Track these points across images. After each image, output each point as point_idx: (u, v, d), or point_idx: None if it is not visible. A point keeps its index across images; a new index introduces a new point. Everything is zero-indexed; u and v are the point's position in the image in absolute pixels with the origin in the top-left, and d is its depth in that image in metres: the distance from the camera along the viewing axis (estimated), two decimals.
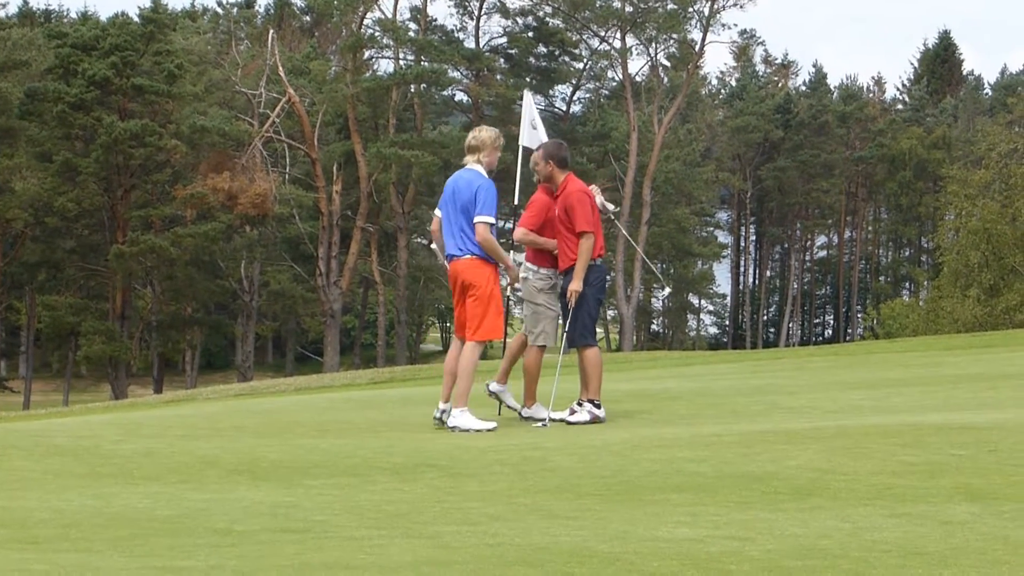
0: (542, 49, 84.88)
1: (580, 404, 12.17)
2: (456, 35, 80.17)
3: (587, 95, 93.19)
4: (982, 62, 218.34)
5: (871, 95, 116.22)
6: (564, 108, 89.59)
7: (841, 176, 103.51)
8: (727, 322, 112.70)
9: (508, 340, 12.84)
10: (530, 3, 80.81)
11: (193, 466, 9.35)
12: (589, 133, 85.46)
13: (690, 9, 74.13)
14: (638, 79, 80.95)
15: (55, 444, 10.84)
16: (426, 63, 72.01)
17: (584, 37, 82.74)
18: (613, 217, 13.13)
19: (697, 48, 76.20)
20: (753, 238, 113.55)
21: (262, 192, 62.65)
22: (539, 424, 11.97)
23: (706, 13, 74.21)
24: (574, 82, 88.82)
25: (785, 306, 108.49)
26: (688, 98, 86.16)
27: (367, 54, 76.58)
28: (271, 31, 70.20)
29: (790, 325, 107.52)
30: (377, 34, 74.27)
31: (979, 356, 22.33)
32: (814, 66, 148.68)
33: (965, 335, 37.55)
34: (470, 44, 78.91)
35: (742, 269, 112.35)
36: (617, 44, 77.89)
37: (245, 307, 73.89)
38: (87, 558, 5.87)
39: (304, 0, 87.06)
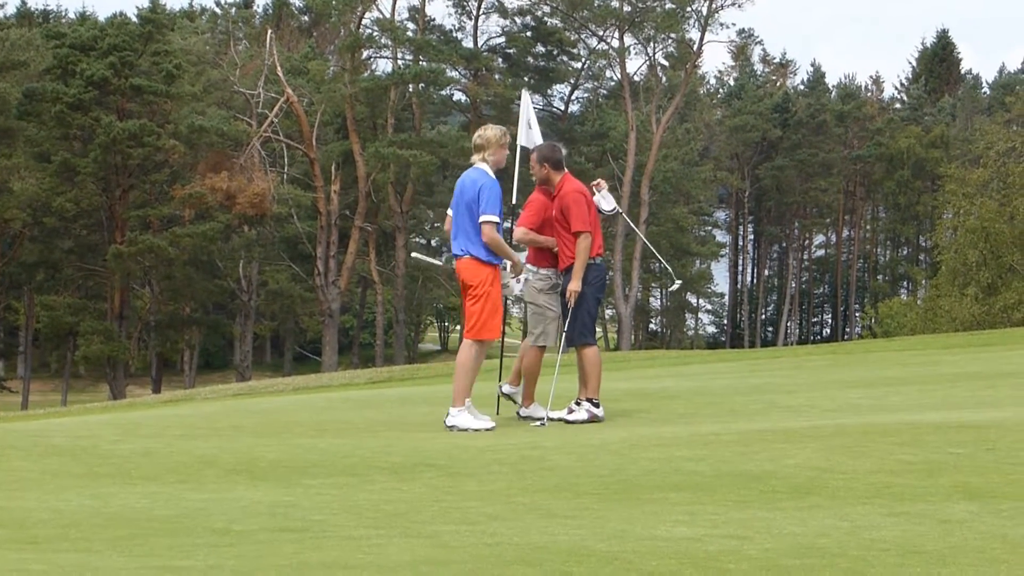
0: (540, 49, 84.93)
1: (578, 403, 12.18)
2: (454, 35, 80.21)
3: (585, 94, 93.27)
4: (980, 61, 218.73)
5: (869, 94, 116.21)
6: (562, 108, 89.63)
7: (839, 175, 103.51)
8: (725, 321, 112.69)
9: (514, 342, 12.87)
10: (528, 3, 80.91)
11: (191, 466, 9.35)
12: (587, 132, 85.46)
13: (688, 8, 74.17)
14: (636, 78, 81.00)
15: (53, 444, 10.84)
16: (424, 63, 72.02)
17: (582, 36, 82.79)
18: (620, 213, 13.10)
19: (695, 47, 76.23)
20: (751, 237, 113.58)
21: (260, 192, 62.65)
22: (537, 423, 11.97)
23: (704, 12, 74.30)
24: (572, 81, 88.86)
25: (783, 305, 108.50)
26: (686, 97, 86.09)
27: (365, 54, 76.59)
28: (269, 31, 70.18)
29: (788, 324, 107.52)
30: (375, 34, 74.31)
31: (977, 355, 22.35)
32: (812, 65, 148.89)
33: (963, 334, 37.58)
34: (468, 44, 78.94)
35: (740, 268, 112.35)
36: (615, 43, 77.93)
37: (243, 307, 73.89)
38: (86, 558, 5.87)
39: (302, 0, 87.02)
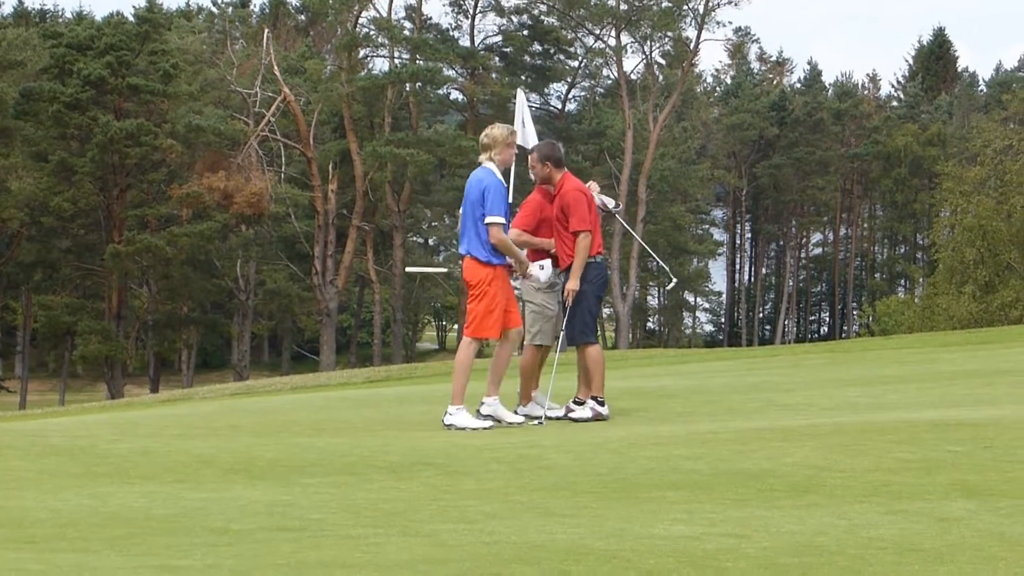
0: (537, 47, 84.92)
1: (576, 402, 12.19)
2: (451, 33, 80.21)
3: (582, 93, 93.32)
4: (977, 59, 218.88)
5: (866, 92, 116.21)
6: (559, 106, 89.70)
7: (836, 173, 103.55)
8: (723, 320, 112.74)
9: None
10: (525, 1, 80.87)
11: (189, 465, 9.35)
12: (584, 131, 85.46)
13: (685, 7, 74.24)
14: (633, 77, 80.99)
15: (51, 444, 10.84)
16: (421, 62, 72.04)
17: (579, 35, 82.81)
18: (615, 213, 13.09)
19: (692, 46, 76.30)
20: (749, 235, 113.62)
21: (258, 191, 62.62)
22: (535, 422, 11.98)
23: (701, 11, 74.33)
24: (569, 80, 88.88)
25: (781, 303, 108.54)
26: (683, 96, 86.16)
27: (362, 53, 76.60)
28: (266, 30, 70.12)
29: (786, 322, 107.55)
30: (372, 33, 74.32)
31: (975, 352, 22.36)
32: (809, 63, 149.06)
33: (961, 332, 37.60)
34: (465, 43, 78.91)
35: (738, 266, 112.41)
36: (612, 42, 77.95)
37: (241, 306, 73.88)
38: (84, 557, 5.87)
39: None
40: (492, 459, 9.07)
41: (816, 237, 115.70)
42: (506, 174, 11.91)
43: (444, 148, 68.74)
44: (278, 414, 14.76)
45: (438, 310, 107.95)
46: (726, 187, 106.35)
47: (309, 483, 8.30)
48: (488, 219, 11.45)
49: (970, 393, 13.56)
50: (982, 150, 62.87)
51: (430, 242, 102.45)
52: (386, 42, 74.32)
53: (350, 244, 68.71)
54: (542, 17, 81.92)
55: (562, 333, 12.24)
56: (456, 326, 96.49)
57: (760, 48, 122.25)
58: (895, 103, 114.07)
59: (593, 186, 12.82)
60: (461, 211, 11.89)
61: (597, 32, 79.63)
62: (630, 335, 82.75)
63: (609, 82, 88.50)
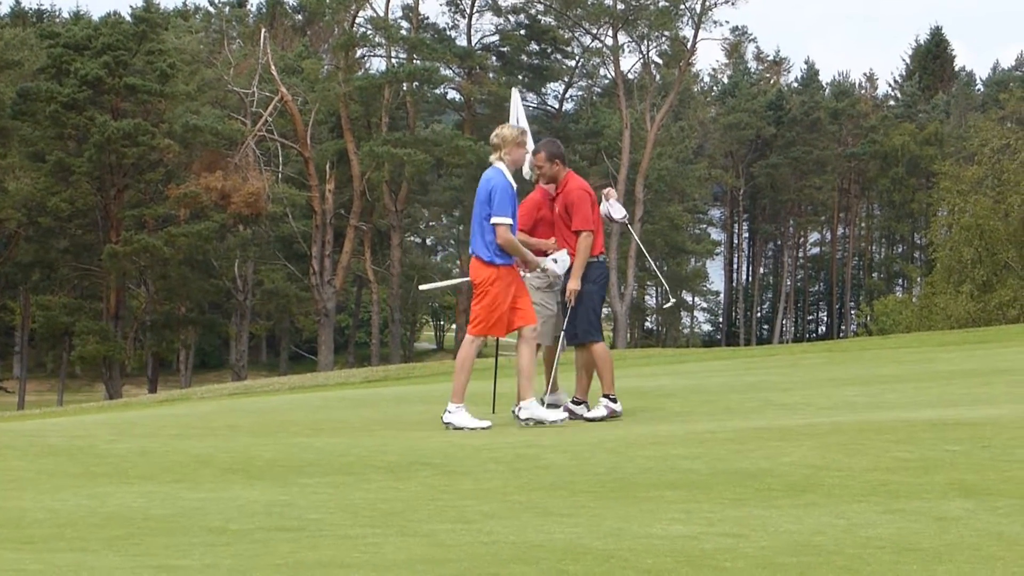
0: (534, 47, 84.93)
1: (575, 402, 12.20)
2: (448, 33, 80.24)
3: (579, 93, 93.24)
4: (974, 58, 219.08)
5: (863, 91, 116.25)
6: (556, 106, 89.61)
7: (834, 173, 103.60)
8: (721, 319, 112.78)
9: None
10: (522, 1, 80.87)
11: (188, 465, 9.35)
12: (582, 131, 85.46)
13: (682, 6, 74.23)
14: (630, 76, 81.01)
15: (50, 444, 10.83)
16: (418, 61, 72.01)
17: (576, 35, 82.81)
18: (620, 223, 13.05)
19: (689, 45, 76.27)
20: (746, 235, 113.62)
21: (255, 191, 62.59)
22: (534, 421, 11.98)
23: (698, 10, 74.32)
24: (566, 80, 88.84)
25: (778, 303, 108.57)
26: (680, 95, 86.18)
27: (359, 52, 76.66)
28: (263, 30, 70.13)
29: (783, 322, 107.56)
30: (369, 32, 74.32)
31: (973, 352, 22.36)
32: (806, 63, 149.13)
33: (958, 331, 37.58)
34: (462, 42, 78.93)
35: (735, 266, 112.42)
36: (609, 41, 77.95)
37: (239, 306, 73.86)
38: (82, 557, 5.87)
39: None
40: (490, 459, 9.07)
41: (814, 237, 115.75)
42: (517, 174, 11.89)
43: (441, 148, 68.72)
44: (276, 414, 14.76)
45: (436, 310, 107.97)
46: (723, 187, 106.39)
47: (307, 483, 8.30)
48: (494, 219, 11.46)
49: (968, 392, 13.56)
50: (979, 149, 62.85)
51: (428, 242, 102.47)
52: (383, 42, 74.32)
53: (348, 244, 68.70)
54: (539, 16, 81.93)
55: (562, 333, 12.26)
56: (454, 326, 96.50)
57: (757, 47, 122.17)
58: (892, 102, 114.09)
59: (611, 192, 12.85)
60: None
61: (594, 31, 79.63)
62: (628, 334, 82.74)
63: (606, 82, 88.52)
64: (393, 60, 74.43)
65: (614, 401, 12.10)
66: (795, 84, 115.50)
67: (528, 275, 12.03)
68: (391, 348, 76.31)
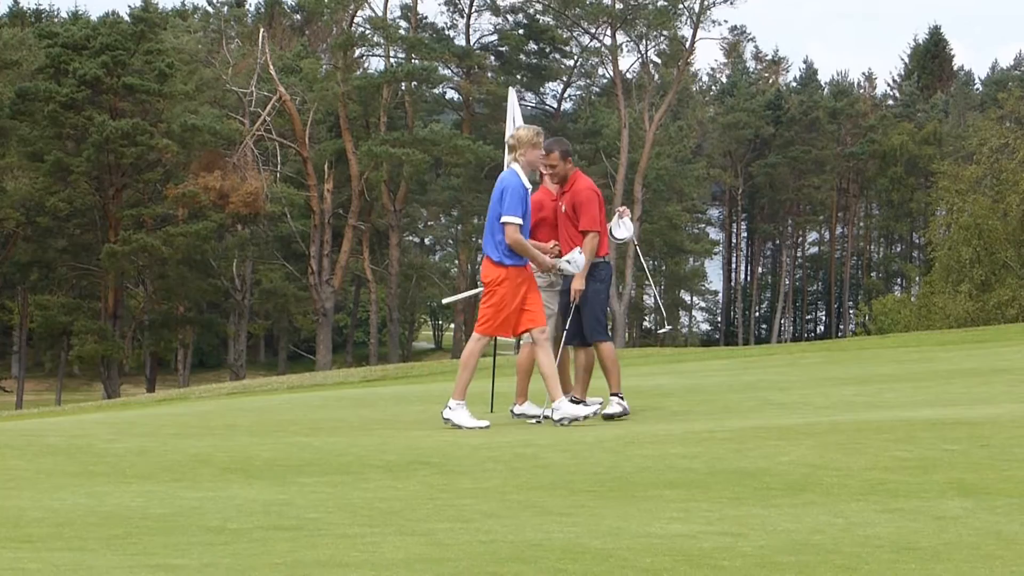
0: (532, 46, 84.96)
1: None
2: (447, 33, 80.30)
3: (578, 92, 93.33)
4: (972, 57, 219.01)
5: (862, 91, 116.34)
6: (555, 105, 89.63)
7: (832, 172, 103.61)
8: (719, 318, 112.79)
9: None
10: (520, 0, 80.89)
11: (186, 464, 9.34)
12: (580, 130, 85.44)
13: (680, 6, 74.22)
14: (629, 76, 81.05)
15: (48, 443, 10.82)
16: (417, 61, 72.03)
17: (574, 34, 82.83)
18: (625, 241, 13.01)
19: (687, 45, 76.25)
20: (745, 234, 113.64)
21: (253, 191, 62.61)
22: (532, 421, 11.98)
23: (696, 9, 74.33)
24: (565, 79, 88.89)
25: (777, 302, 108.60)
26: (679, 95, 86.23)
27: (358, 52, 76.70)
28: (262, 30, 70.16)
29: (782, 321, 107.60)
30: (368, 32, 74.34)
31: (971, 351, 22.36)
32: (804, 62, 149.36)
33: (957, 330, 37.57)
34: (460, 42, 78.95)
35: (734, 265, 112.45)
36: (607, 41, 77.95)
37: (237, 306, 73.84)
38: (81, 557, 5.86)
39: None
40: (489, 458, 9.07)
41: (812, 236, 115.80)
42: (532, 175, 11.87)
43: (440, 147, 68.72)
44: (274, 413, 14.76)
45: (434, 309, 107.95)
46: (722, 186, 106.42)
47: (306, 482, 8.29)
48: (504, 218, 11.50)
49: (967, 391, 13.56)
50: (978, 149, 62.89)
51: (426, 241, 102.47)
52: (382, 41, 74.33)
53: (346, 243, 68.72)
54: (538, 16, 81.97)
55: (563, 334, 12.27)
56: (452, 325, 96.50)
57: (756, 47, 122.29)
58: (891, 102, 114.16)
59: (625, 211, 12.87)
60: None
61: (593, 31, 79.63)
62: (626, 334, 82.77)
63: (605, 81, 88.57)
64: (391, 60, 74.45)
65: (622, 399, 12.15)
66: (794, 83, 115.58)
67: (566, 266, 12.04)
68: (389, 347, 76.34)
